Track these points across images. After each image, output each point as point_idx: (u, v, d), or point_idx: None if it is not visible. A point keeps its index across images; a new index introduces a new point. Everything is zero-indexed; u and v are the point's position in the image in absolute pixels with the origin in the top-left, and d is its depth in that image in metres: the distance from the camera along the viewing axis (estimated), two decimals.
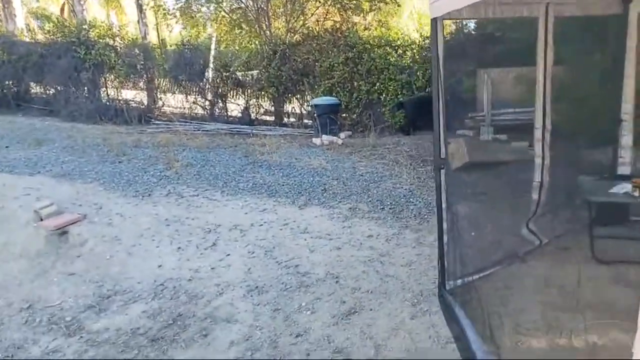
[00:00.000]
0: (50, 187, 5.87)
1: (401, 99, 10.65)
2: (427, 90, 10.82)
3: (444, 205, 3.45)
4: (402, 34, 12.50)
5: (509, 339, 2.97)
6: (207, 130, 10.67)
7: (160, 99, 13.34)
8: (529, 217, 4.39)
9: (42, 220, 4.81)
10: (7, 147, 8.12)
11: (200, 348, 3.07)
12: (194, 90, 12.73)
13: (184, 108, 12.80)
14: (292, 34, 13.09)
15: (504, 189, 5.69)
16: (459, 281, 3.60)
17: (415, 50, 11.47)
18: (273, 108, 12.86)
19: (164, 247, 4.59)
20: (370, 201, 5.83)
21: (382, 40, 11.70)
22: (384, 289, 3.72)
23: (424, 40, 11.46)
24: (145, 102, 13.04)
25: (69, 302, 3.70)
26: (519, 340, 2.99)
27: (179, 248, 4.61)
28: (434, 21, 3.17)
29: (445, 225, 3.47)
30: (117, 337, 3.22)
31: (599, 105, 5.04)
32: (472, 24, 10.48)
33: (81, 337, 3.24)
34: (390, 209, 5.55)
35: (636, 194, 3.68)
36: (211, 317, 3.45)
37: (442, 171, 3.42)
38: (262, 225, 5.18)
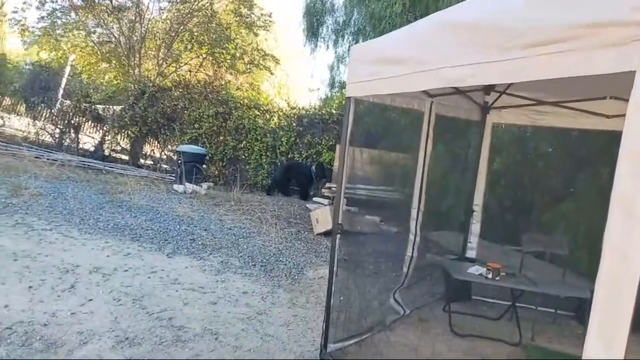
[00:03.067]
0: None
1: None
2: (289, 155, 11.31)
3: (335, 269, 3.61)
4: (270, 100, 13.02)
5: None
6: (54, 160, 9.59)
7: (1, 117, 11.70)
8: (397, 287, 4.77)
9: None
10: None
11: None
12: (45, 115, 11.46)
13: (29, 132, 11.39)
14: (162, 78, 12.78)
15: (366, 257, 6.09)
16: (337, 345, 3.73)
17: (281, 117, 11.96)
18: (130, 147, 12.15)
19: (11, 285, 3.92)
20: (241, 256, 5.76)
21: (252, 103, 12.05)
22: (266, 349, 3.65)
23: (290, 109, 12.08)
24: None
25: None
26: None
27: (31, 287, 3.97)
28: (349, 99, 3.46)
29: (333, 289, 3.62)
30: None
31: (456, 195, 5.83)
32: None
33: None
34: (261, 266, 5.55)
35: (489, 275, 4.25)
36: None
37: (338, 236, 3.61)
38: (127, 270, 4.75)
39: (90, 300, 3.98)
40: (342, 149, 3.60)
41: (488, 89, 4.86)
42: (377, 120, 9.19)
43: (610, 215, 1.41)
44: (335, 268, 3.62)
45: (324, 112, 11.97)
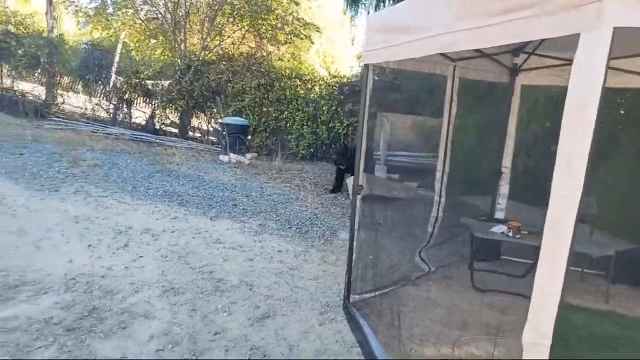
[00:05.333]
0: None
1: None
2: (330, 125, 11.47)
3: (356, 227, 3.89)
4: (311, 69, 13.17)
5: (404, 346, 3.43)
6: (109, 134, 10.32)
7: (61, 95, 12.63)
8: (422, 246, 5.00)
9: None
10: None
11: (120, 339, 3.12)
12: (99, 92, 12.27)
13: (86, 108, 12.24)
14: (207, 52, 13.22)
15: (400, 221, 6.33)
16: (361, 296, 4.04)
17: (322, 86, 12.10)
18: (179, 121, 12.77)
19: (74, 244, 4.49)
20: (278, 220, 6.15)
21: (294, 73, 12.26)
22: (295, 298, 4.02)
23: (331, 78, 12.19)
24: (43, 97, 12.27)
25: None
26: (412, 348, 3.46)
27: (90, 246, 4.53)
28: (366, 67, 3.65)
29: (355, 245, 3.91)
30: (29, 325, 3.15)
31: (485, 157, 5.90)
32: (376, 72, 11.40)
33: None
34: (297, 229, 5.91)
35: (510, 233, 4.40)
36: (128, 312, 3.48)
37: (359, 196, 3.88)
38: (174, 232, 5.25)
39: (141, 256, 4.48)
40: (362, 115, 3.82)
41: (517, 50, 4.89)
42: (417, 87, 9.21)
43: (556, 167, 1.62)
44: (356, 226, 3.91)
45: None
